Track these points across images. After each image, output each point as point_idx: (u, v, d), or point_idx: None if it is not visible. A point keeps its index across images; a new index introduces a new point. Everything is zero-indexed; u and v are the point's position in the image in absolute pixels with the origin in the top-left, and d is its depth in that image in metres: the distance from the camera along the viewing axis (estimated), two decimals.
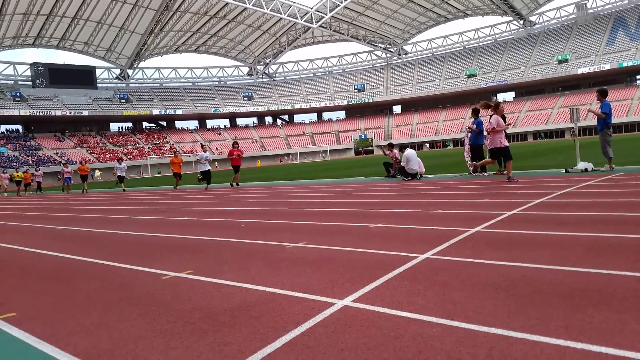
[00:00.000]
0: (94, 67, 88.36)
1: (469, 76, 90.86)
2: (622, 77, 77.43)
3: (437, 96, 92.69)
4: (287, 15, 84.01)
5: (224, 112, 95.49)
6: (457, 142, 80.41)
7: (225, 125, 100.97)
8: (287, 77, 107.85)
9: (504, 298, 2.81)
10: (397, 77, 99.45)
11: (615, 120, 60.79)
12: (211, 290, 3.56)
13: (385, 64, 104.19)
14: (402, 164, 13.81)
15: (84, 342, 2.65)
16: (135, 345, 2.56)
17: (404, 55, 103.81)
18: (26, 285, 4.27)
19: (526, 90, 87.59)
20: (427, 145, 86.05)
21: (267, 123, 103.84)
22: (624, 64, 73.50)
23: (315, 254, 4.52)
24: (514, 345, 2.16)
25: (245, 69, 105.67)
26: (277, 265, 4.20)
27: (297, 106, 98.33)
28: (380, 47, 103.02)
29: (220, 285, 3.68)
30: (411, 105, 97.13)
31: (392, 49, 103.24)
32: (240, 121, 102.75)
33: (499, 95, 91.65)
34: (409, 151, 13.70)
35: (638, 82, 77.42)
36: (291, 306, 2.99)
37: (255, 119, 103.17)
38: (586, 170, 10.95)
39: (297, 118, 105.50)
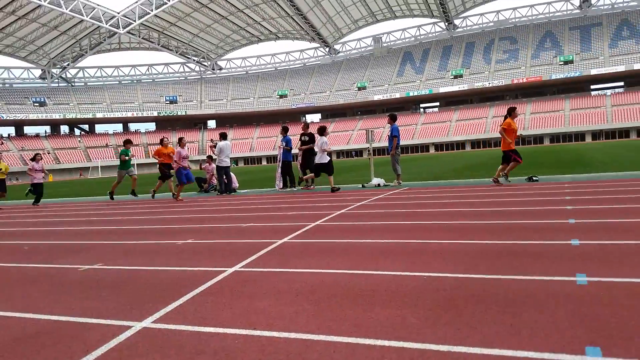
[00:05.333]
0: None
1: (281, 96, 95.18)
2: (409, 104, 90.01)
3: (251, 113, 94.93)
4: (90, 18, 76.87)
5: (7, 119, 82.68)
6: (270, 159, 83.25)
7: (9, 134, 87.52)
8: (89, 83, 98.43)
9: (303, 303, 2.95)
10: (212, 92, 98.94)
11: (403, 142, 69.70)
12: None
13: (199, 77, 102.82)
14: (215, 154, 13.37)
15: None
16: None
17: (218, 71, 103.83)
18: None
19: (331, 113, 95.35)
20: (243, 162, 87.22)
21: (62, 133, 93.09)
22: (411, 94, 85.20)
23: (114, 275, 4.15)
24: (310, 347, 2.27)
25: (38, 72, 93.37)
26: (65, 289, 3.73)
27: (99, 115, 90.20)
28: (194, 60, 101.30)
29: None
30: (226, 121, 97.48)
31: (206, 63, 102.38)
32: (29, 129, 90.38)
33: (307, 116, 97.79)
34: (225, 142, 13.47)
35: (421, 110, 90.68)
36: (81, 334, 2.67)
37: (48, 128, 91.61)
38: (379, 185, 12.30)
39: (100, 128, 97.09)
